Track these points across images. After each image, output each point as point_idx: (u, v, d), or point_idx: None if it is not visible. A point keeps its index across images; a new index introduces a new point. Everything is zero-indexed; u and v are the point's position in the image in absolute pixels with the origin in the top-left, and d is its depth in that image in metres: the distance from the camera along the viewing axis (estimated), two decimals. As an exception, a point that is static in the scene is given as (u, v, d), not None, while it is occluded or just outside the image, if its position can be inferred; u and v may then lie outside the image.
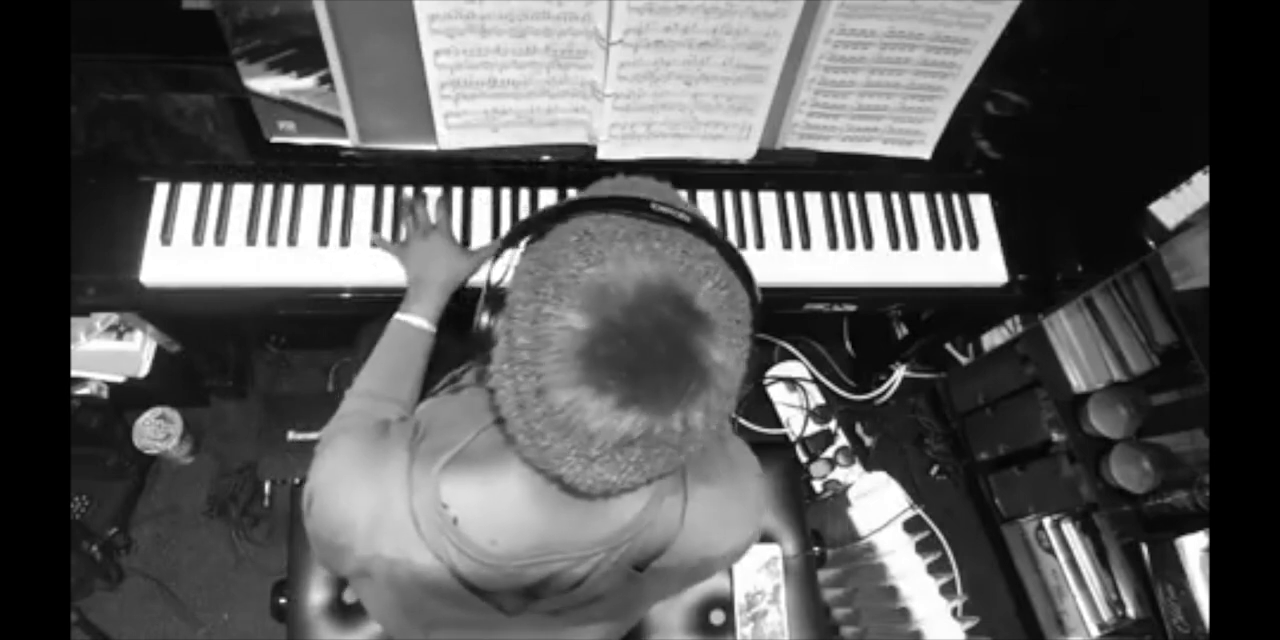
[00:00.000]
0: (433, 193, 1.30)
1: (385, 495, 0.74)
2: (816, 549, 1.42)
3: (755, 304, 0.68)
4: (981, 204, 1.40)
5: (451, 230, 1.25)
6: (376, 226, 1.27)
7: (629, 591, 0.79)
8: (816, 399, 2.09)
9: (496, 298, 0.67)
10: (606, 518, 0.74)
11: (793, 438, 2.03)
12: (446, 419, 0.81)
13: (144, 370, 1.67)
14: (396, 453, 0.76)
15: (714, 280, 0.62)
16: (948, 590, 1.66)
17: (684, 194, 1.33)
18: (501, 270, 0.70)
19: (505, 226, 1.29)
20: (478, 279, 1.21)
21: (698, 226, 0.66)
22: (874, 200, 1.38)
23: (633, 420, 0.57)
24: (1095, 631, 1.75)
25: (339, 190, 1.28)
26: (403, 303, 1.13)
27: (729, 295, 0.63)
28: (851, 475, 1.92)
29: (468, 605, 0.77)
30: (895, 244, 1.36)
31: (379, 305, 1.25)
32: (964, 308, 1.61)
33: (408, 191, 1.29)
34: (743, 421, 2.11)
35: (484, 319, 0.69)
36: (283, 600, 1.30)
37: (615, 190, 0.72)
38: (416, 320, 1.10)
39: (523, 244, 0.70)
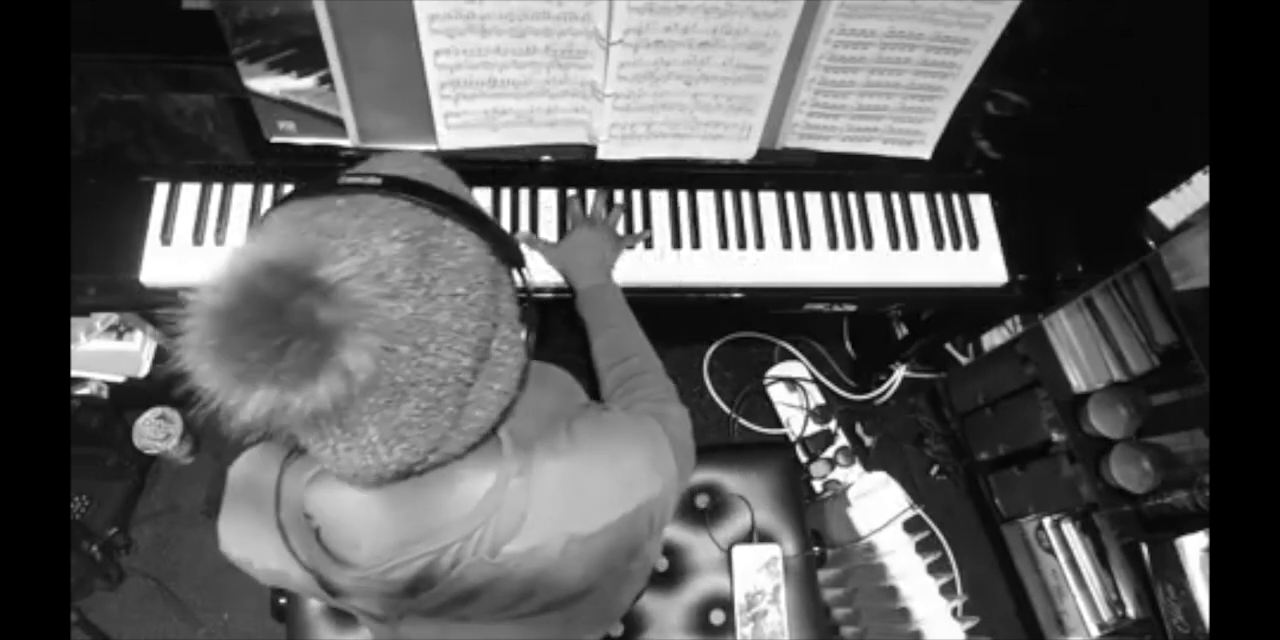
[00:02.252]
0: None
1: (258, 508, 0.75)
2: (816, 549, 1.43)
3: (499, 243, 0.67)
4: (981, 204, 1.40)
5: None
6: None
7: (503, 584, 0.75)
8: (816, 399, 2.09)
9: None
10: (451, 506, 0.72)
11: (793, 438, 2.04)
12: None
13: (144, 370, 1.67)
14: (269, 468, 0.77)
15: (387, 236, 0.58)
16: (948, 590, 1.66)
17: (684, 194, 1.34)
18: None
19: (505, 227, 1.29)
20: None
21: (390, 185, 0.63)
22: (874, 200, 1.38)
23: (262, 397, 0.54)
24: (1095, 631, 1.75)
25: (339, 190, 1.28)
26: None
27: (409, 248, 0.59)
28: (851, 475, 1.92)
29: (354, 614, 0.78)
30: (895, 244, 1.36)
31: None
32: (964, 308, 1.61)
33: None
34: (743, 421, 2.11)
35: None
36: (283, 600, 1.30)
37: (371, 167, 0.69)
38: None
39: None
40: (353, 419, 0.59)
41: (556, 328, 1.09)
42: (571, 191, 1.32)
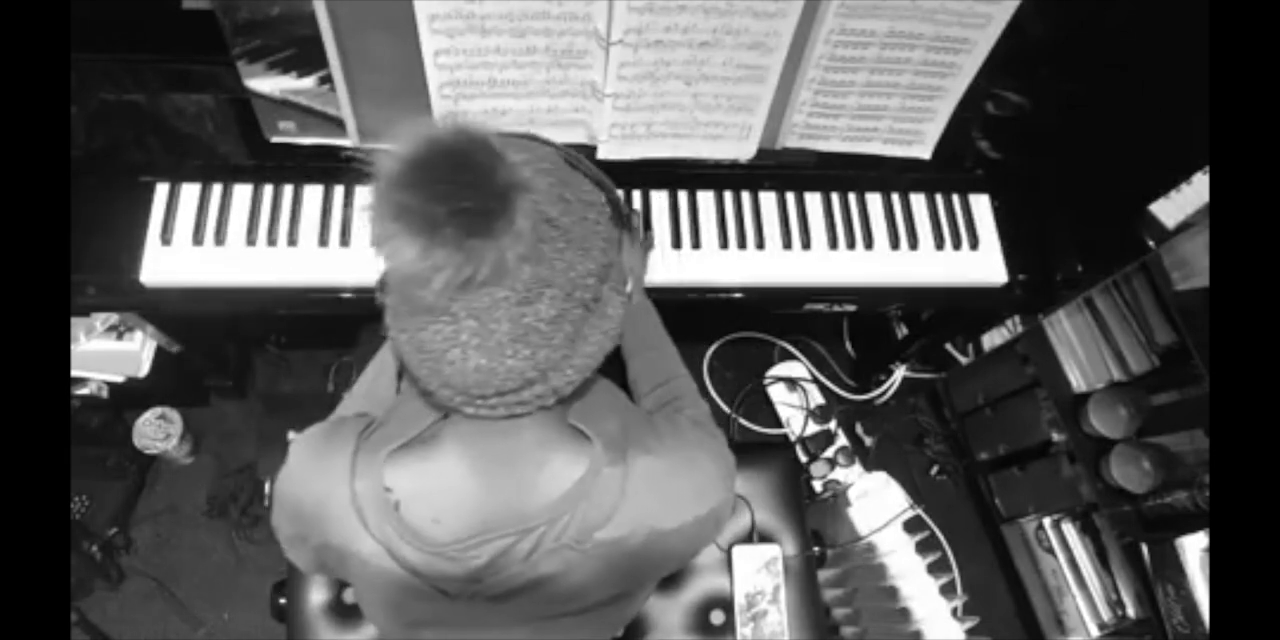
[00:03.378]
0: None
1: (329, 483, 0.75)
2: (816, 549, 1.43)
3: (613, 199, 0.74)
4: (981, 204, 1.40)
5: None
6: (377, 226, 1.27)
7: (576, 573, 0.77)
8: (816, 399, 2.09)
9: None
10: (543, 488, 0.74)
11: (793, 438, 2.03)
12: (404, 413, 0.82)
13: (144, 370, 1.67)
14: (344, 442, 0.77)
15: (537, 166, 0.63)
16: (948, 590, 1.66)
17: (684, 194, 1.34)
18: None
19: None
20: None
21: (536, 137, 0.73)
22: (874, 200, 1.38)
23: (444, 257, 0.57)
24: (1095, 631, 1.75)
25: (339, 190, 1.28)
26: None
27: (556, 179, 0.65)
28: (851, 475, 1.92)
29: (418, 594, 0.77)
30: (895, 244, 1.36)
31: (378, 305, 1.25)
32: (964, 308, 1.61)
33: None
34: (743, 421, 2.11)
35: (381, 263, 0.66)
36: (283, 600, 1.30)
37: None
38: None
39: None
40: (487, 310, 0.62)
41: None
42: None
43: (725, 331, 2.18)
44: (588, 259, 0.65)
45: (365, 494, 0.74)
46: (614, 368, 1.14)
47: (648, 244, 1.28)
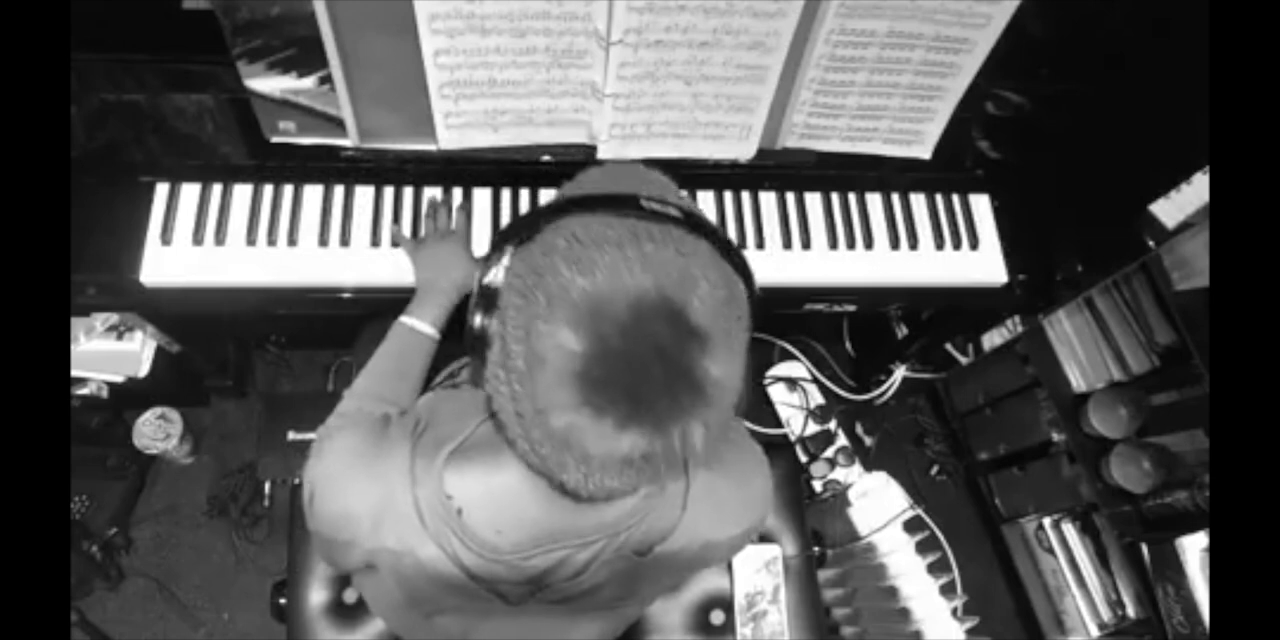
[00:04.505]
0: (436, 192, 1.30)
1: (388, 488, 0.74)
2: (816, 549, 1.43)
3: (753, 297, 0.68)
4: (981, 204, 1.40)
5: (470, 237, 1.25)
6: (376, 226, 1.27)
7: (631, 579, 0.80)
8: (816, 399, 2.09)
9: (489, 297, 0.66)
10: (608, 505, 0.74)
11: (793, 438, 2.03)
12: (447, 411, 0.81)
13: (144, 370, 1.67)
14: (399, 445, 0.76)
15: (709, 281, 0.61)
16: (948, 590, 1.66)
17: (684, 194, 1.34)
18: (494, 269, 0.69)
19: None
20: None
21: (690, 221, 0.64)
22: (874, 200, 1.38)
23: (631, 441, 0.57)
24: (1095, 631, 1.75)
25: (339, 190, 1.28)
26: (409, 305, 1.13)
27: (726, 296, 0.62)
28: (851, 475, 1.92)
29: (472, 595, 0.77)
30: (895, 244, 1.36)
31: (378, 305, 1.26)
32: (964, 308, 1.61)
33: (430, 192, 1.29)
34: (743, 421, 2.11)
35: (477, 318, 0.67)
36: (283, 600, 1.30)
37: (604, 184, 0.71)
38: (421, 325, 1.10)
39: (511, 246, 0.68)
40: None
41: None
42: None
43: (725, 331, 2.17)
44: (741, 390, 0.64)
45: (427, 501, 0.73)
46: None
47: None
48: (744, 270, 0.67)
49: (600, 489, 0.62)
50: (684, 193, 1.32)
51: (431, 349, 1.11)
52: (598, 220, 0.64)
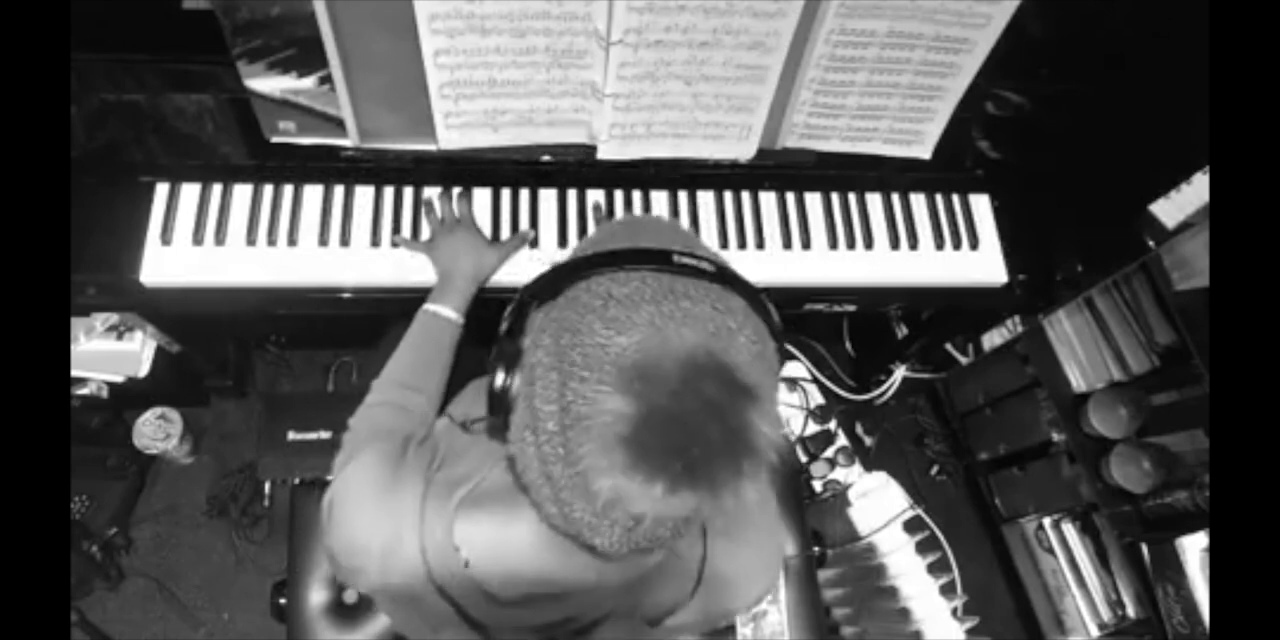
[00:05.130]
0: (435, 192, 1.30)
1: (397, 527, 0.73)
2: (816, 549, 1.42)
3: (781, 348, 0.66)
4: (981, 204, 1.40)
5: (476, 223, 1.26)
6: (376, 226, 1.27)
7: (635, 635, 0.78)
8: (816, 399, 2.08)
9: (512, 356, 0.64)
10: (621, 568, 0.71)
11: (793, 438, 2.03)
12: (464, 447, 0.80)
13: (144, 370, 1.67)
14: (412, 481, 0.74)
15: (746, 336, 0.60)
16: (948, 590, 1.66)
17: (684, 194, 1.34)
18: (517, 329, 0.66)
19: (505, 226, 1.29)
20: (504, 277, 1.22)
21: (723, 275, 0.63)
22: (874, 200, 1.38)
23: (681, 502, 0.55)
24: (1095, 631, 1.75)
25: (339, 190, 1.28)
26: (431, 294, 1.14)
27: (760, 351, 0.61)
28: (851, 475, 1.92)
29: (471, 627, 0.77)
30: (895, 244, 1.36)
31: (378, 305, 1.26)
32: (964, 308, 1.61)
33: (430, 192, 1.29)
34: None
35: (499, 378, 0.64)
36: (283, 600, 1.30)
37: (630, 237, 0.68)
38: (446, 311, 1.10)
39: (536, 303, 0.66)
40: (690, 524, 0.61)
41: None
42: (571, 191, 1.32)
43: (725, 331, 2.17)
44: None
45: (434, 548, 0.71)
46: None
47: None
48: (772, 323, 0.65)
49: (628, 546, 0.61)
50: (683, 194, 1.33)
51: (456, 336, 1.10)
52: (630, 277, 0.62)
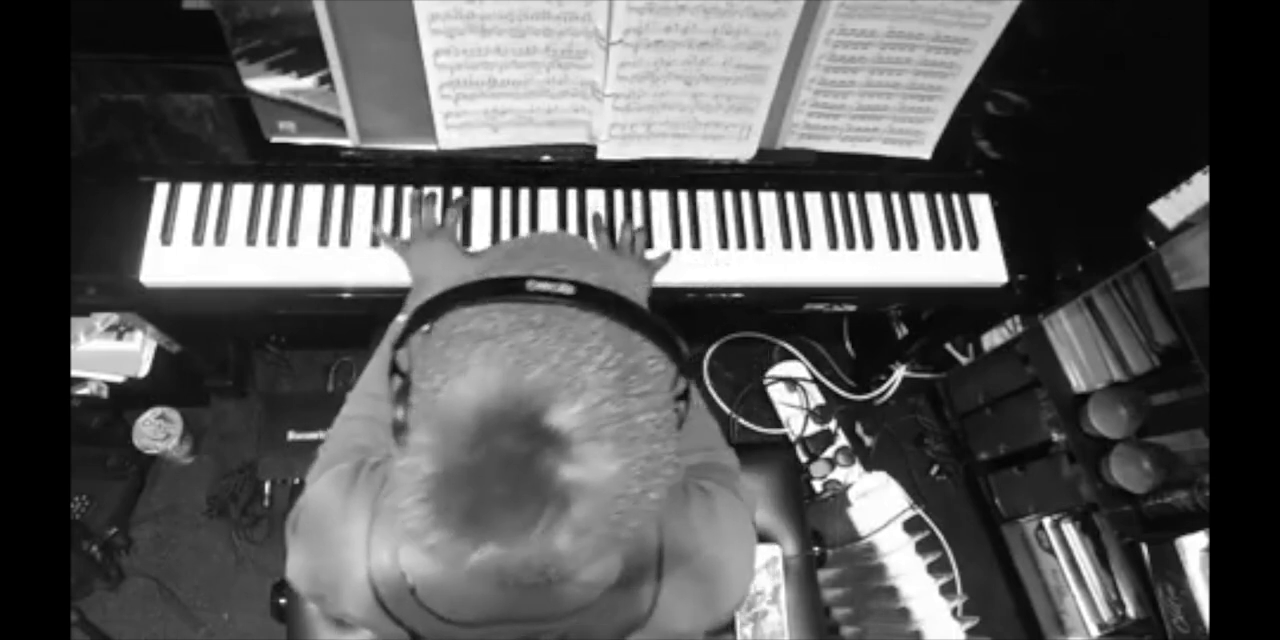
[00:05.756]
0: (436, 192, 1.30)
1: (346, 559, 0.73)
2: (816, 549, 1.43)
3: (679, 357, 0.63)
4: (981, 204, 1.40)
5: (456, 233, 1.25)
6: (377, 224, 1.27)
7: None
8: (816, 399, 2.09)
9: (402, 387, 0.62)
10: (570, 594, 0.70)
11: (793, 438, 2.03)
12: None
13: (144, 370, 1.67)
14: (360, 511, 0.74)
15: (599, 363, 0.56)
16: (948, 590, 1.66)
17: (684, 194, 1.34)
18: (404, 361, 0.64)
19: (505, 226, 1.29)
20: None
21: (584, 295, 0.59)
22: (874, 200, 1.38)
23: (481, 560, 0.54)
24: (1095, 631, 1.75)
25: (339, 190, 1.28)
26: (405, 303, 1.13)
27: (619, 376, 0.56)
28: (851, 475, 1.92)
29: None
30: (895, 244, 1.36)
31: (378, 305, 1.26)
32: (964, 308, 1.61)
33: (423, 191, 1.29)
34: (743, 421, 2.11)
35: (398, 411, 0.61)
36: (283, 600, 1.30)
37: (506, 262, 0.65)
38: None
39: (417, 338, 0.63)
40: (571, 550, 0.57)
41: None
42: (571, 191, 1.32)
43: (725, 331, 2.18)
44: (661, 464, 0.58)
45: (381, 575, 0.71)
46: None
47: (661, 262, 1.27)
48: (660, 334, 0.61)
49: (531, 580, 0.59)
50: (683, 194, 1.31)
51: None
52: (479, 312, 0.59)
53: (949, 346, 2.00)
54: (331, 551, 0.74)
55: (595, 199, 1.33)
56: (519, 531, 0.53)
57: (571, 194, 1.32)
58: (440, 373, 0.56)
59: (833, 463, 1.96)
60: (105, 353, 1.63)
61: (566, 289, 0.59)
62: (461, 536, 0.54)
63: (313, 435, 1.76)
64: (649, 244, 1.30)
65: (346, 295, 1.26)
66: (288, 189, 1.27)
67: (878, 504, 1.73)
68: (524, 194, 1.31)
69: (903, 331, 1.99)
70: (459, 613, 0.72)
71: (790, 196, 1.36)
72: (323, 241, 1.25)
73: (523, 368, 0.54)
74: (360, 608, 0.74)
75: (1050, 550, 1.83)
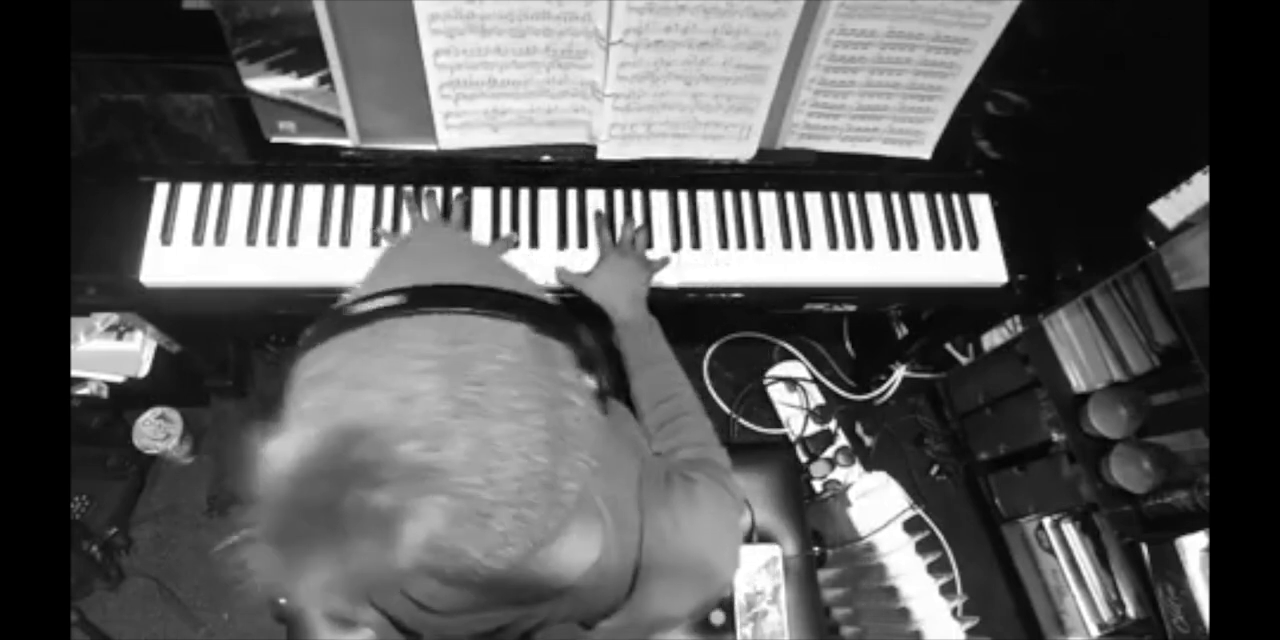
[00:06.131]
0: (436, 191, 1.30)
1: (326, 544, 0.72)
2: (816, 549, 1.43)
3: (579, 345, 0.60)
4: (981, 204, 1.40)
5: (462, 226, 1.26)
6: (376, 226, 1.27)
7: None
8: (816, 399, 2.09)
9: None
10: (547, 579, 0.70)
11: (793, 438, 2.03)
12: None
13: (144, 370, 1.67)
14: None
15: (417, 368, 0.52)
16: (948, 590, 1.66)
17: (684, 194, 1.34)
18: None
19: (505, 226, 1.29)
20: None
21: (415, 301, 0.56)
22: (874, 200, 1.38)
23: (327, 581, 0.51)
24: (1095, 631, 1.75)
25: (339, 190, 1.28)
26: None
27: (457, 364, 0.53)
28: (851, 475, 1.92)
29: None
30: (895, 244, 1.36)
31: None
32: (964, 308, 1.61)
33: (422, 189, 1.28)
34: (743, 421, 2.11)
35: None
36: (282, 600, 1.30)
37: (380, 273, 0.63)
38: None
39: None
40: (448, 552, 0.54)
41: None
42: (571, 191, 1.32)
43: (725, 331, 2.18)
44: (527, 438, 0.54)
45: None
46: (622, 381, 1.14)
47: (661, 264, 1.28)
48: (509, 304, 0.58)
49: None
50: (683, 194, 1.31)
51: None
52: (316, 354, 0.57)
53: (949, 346, 2.00)
54: (311, 541, 0.74)
55: (595, 199, 1.33)
56: (337, 561, 0.50)
57: (571, 194, 1.32)
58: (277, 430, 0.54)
59: (833, 463, 1.96)
60: (105, 353, 1.63)
61: (390, 301, 0.56)
62: (297, 577, 0.51)
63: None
64: (649, 244, 1.30)
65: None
66: (288, 189, 1.27)
67: (878, 504, 1.73)
68: (524, 194, 1.31)
69: (903, 331, 1.99)
70: (438, 599, 0.72)
71: (790, 196, 1.36)
72: (323, 241, 1.25)
73: (347, 402, 0.52)
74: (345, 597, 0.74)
75: (1050, 550, 1.83)
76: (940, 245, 1.37)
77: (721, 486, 0.88)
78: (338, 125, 1.20)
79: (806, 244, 1.34)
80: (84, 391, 1.71)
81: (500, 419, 0.53)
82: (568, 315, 0.63)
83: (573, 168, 1.29)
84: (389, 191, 1.29)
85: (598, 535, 0.72)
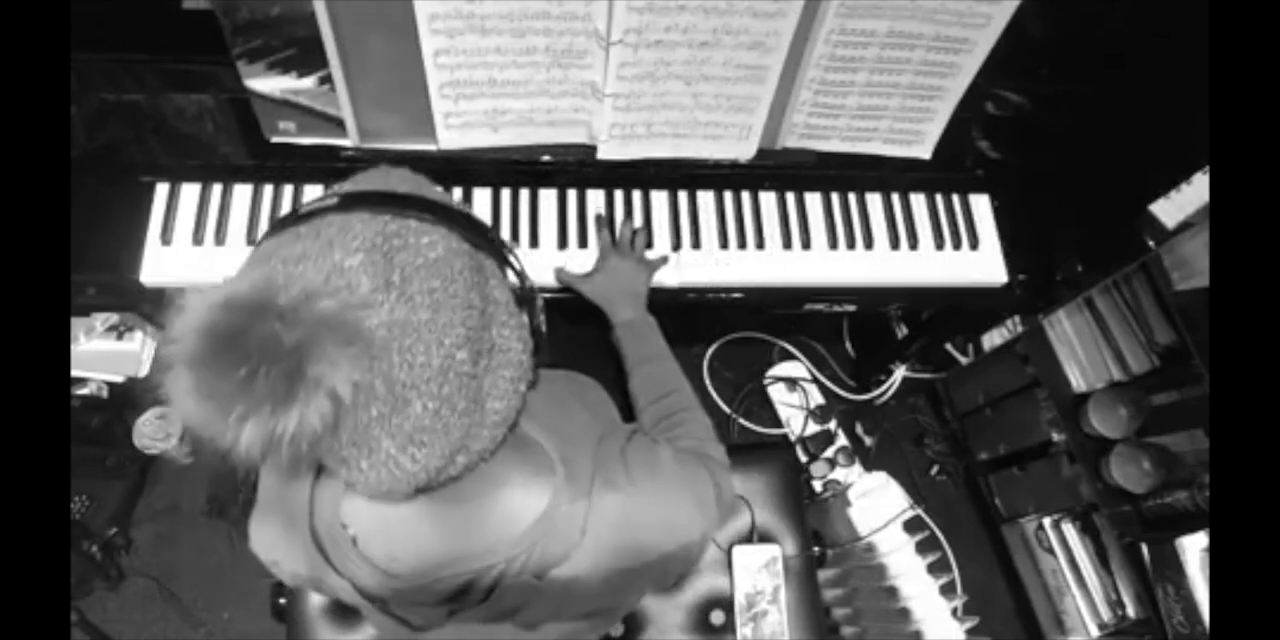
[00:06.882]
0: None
1: (291, 514, 0.75)
2: (816, 549, 1.42)
3: (475, 232, 0.64)
4: (981, 204, 1.40)
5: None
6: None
7: (548, 602, 0.77)
8: (816, 399, 2.09)
9: None
10: (499, 526, 0.72)
11: (793, 438, 2.03)
12: None
13: (144, 370, 1.67)
14: (306, 471, 0.75)
15: (348, 248, 0.57)
16: (948, 590, 1.66)
17: (684, 194, 1.34)
18: None
19: (505, 226, 1.29)
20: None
21: (349, 200, 0.61)
22: (874, 200, 1.38)
23: (250, 430, 0.54)
24: (1095, 631, 1.75)
25: (339, 190, 1.28)
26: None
27: (383, 252, 0.57)
28: (851, 475, 1.92)
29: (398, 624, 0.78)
30: (895, 244, 1.36)
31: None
32: (964, 308, 1.61)
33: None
34: (743, 421, 2.11)
35: None
36: (282, 600, 1.30)
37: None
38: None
39: None
40: (361, 434, 0.58)
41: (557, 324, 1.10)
42: (571, 191, 1.32)
43: (725, 331, 2.18)
44: (448, 334, 0.58)
45: (325, 529, 0.74)
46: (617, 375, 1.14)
47: (660, 263, 1.28)
48: (442, 214, 0.62)
49: (394, 481, 0.60)
50: (683, 194, 1.32)
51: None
52: (267, 242, 0.61)
53: (949, 346, 2.00)
54: (281, 512, 0.77)
55: (595, 199, 1.33)
56: (246, 397, 0.53)
57: (571, 194, 1.32)
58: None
59: (833, 463, 1.96)
60: (105, 353, 1.63)
61: (331, 201, 0.61)
62: (209, 416, 0.55)
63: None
64: (649, 244, 1.30)
65: (346, 295, 1.25)
66: (288, 189, 1.27)
67: (878, 504, 1.73)
68: (524, 194, 1.31)
69: (903, 331, 1.99)
70: (399, 561, 0.73)
71: (790, 196, 1.36)
72: (323, 241, 1.25)
73: (276, 266, 0.57)
74: (307, 564, 0.75)
75: (1050, 550, 1.83)
76: (940, 245, 1.37)
77: (697, 461, 0.89)
78: (338, 125, 1.20)
79: (806, 244, 1.34)
80: (84, 391, 1.71)
81: (421, 307, 0.57)
82: (501, 241, 0.68)
83: (573, 168, 1.29)
84: (389, 191, 1.29)
85: (547, 484, 0.73)
